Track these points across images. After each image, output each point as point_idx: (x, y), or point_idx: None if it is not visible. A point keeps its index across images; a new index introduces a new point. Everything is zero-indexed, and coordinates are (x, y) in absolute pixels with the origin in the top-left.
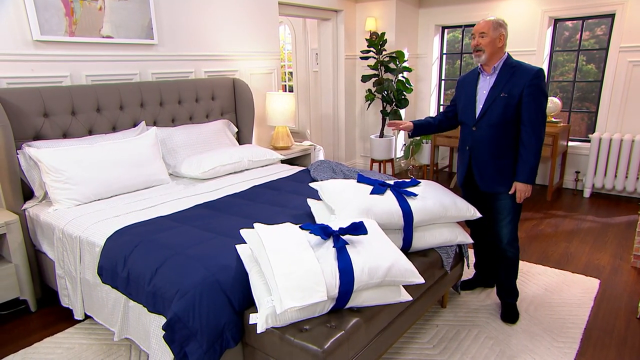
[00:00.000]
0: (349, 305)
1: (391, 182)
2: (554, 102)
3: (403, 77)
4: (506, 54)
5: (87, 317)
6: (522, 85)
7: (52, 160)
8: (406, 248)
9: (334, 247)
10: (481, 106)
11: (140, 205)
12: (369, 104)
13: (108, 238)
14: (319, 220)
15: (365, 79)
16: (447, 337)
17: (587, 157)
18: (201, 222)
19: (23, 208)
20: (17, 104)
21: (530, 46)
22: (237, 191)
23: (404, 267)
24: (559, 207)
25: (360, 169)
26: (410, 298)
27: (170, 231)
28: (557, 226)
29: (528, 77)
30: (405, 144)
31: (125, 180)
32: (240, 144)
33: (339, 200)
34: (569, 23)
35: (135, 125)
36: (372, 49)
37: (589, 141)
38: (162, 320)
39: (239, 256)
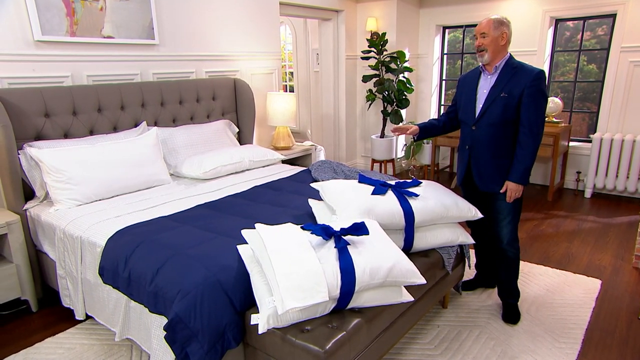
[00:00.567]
0: (350, 305)
1: (392, 183)
2: (555, 102)
3: (404, 77)
4: (509, 54)
5: (88, 317)
6: (522, 86)
7: (53, 160)
8: (407, 248)
9: (335, 247)
10: (481, 105)
11: (141, 206)
12: (370, 104)
13: (109, 238)
14: (320, 220)
15: (366, 79)
16: (448, 338)
17: (588, 157)
18: (202, 222)
19: (24, 208)
20: (19, 104)
21: (531, 46)
22: (238, 191)
23: (405, 268)
24: (560, 208)
25: (361, 169)
26: (412, 298)
27: (171, 231)
28: (558, 226)
29: (529, 78)
30: (406, 144)
31: (126, 181)
32: (241, 144)
33: (340, 200)
34: (570, 23)
35: (136, 126)
36: (373, 49)
37: (590, 141)
38: (164, 320)
39: (240, 256)
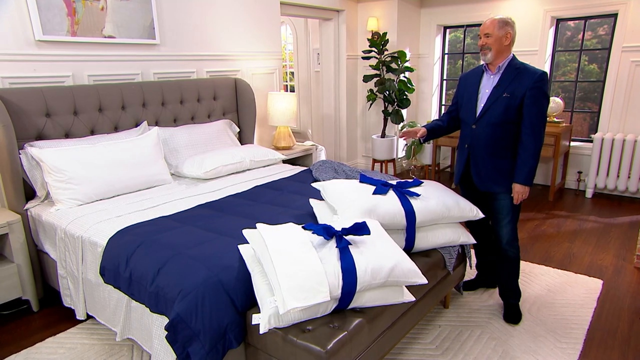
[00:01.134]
0: (351, 305)
1: (393, 182)
2: (556, 102)
3: (405, 77)
4: (512, 54)
5: (89, 317)
6: (525, 87)
7: (54, 160)
8: (409, 248)
9: (336, 247)
10: (482, 105)
11: (142, 205)
12: (371, 104)
13: (110, 238)
14: (321, 220)
15: (366, 79)
16: (449, 338)
17: (589, 157)
18: (203, 222)
19: (25, 208)
20: (20, 103)
21: (533, 46)
22: (239, 191)
23: (406, 268)
24: (561, 208)
25: (362, 169)
26: (413, 298)
27: (172, 231)
28: (560, 226)
29: (532, 79)
30: (407, 144)
31: (127, 180)
32: (242, 144)
33: (342, 200)
34: (571, 23)
35: (137, 125)
36: (373, 48)
37: (591, 141)
38: (165, 320)
39: (242, 256)
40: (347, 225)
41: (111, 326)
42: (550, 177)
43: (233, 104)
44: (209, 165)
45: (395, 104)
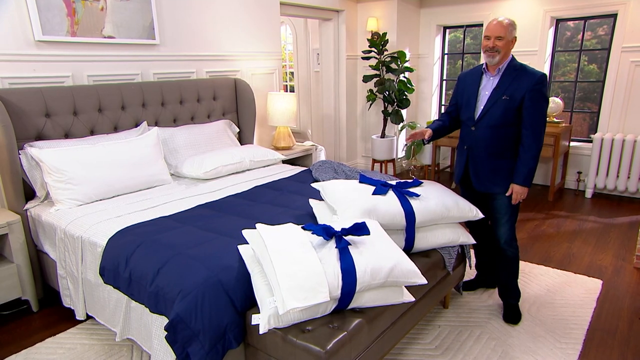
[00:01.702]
0: (351, 306)
1: (393, 183)
2: (555, 103)
3: (404, 77)
4: (511, 55)
5: (88, 317)
6: (524, 89)
7: (53, 160)
8: (408, 249)
9: (336, 247)
10: (482, 107)
11: (142, 206)
12: (371, 104)
13: (110, 238)
14: (321, 220)
15: (366, 79)
16: (449, 338)
17: (589, 157)
18: (203, 222)
19: (25, 208)
20: (19, 104)
21: (532, 46)
22: (239, 191)
23: (406, 268)
24: (560, 208)
25: (361, 169)
26: (413, 299)
27: (172, 231)
28: (559, 227)
29: (531, 81)
30: (406, 144)
31: (127, 181)
32: (241, 144)
33: (341, 200)
34: (570, 23)
35: (136, 126)
36: (373, 49)
37: (591, 141)
38: (164, 320)
39: (241, 257)
40: (347, 225)
41: (111, 326)
42: (550, 177)
43: (233, 104)
44: (209, 165)
45: (395, 104)
